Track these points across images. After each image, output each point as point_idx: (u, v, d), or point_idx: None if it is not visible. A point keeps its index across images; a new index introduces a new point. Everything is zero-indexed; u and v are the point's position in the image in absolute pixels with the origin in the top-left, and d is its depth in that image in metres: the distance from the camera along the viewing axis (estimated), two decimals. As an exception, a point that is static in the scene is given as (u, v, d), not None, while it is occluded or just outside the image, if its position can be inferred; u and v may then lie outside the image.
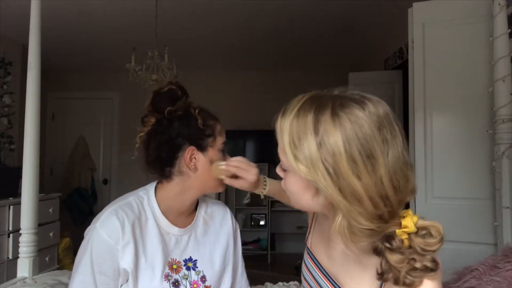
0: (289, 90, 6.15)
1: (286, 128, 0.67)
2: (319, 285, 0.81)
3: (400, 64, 3.59)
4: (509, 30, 1.80)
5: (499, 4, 1.80)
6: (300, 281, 1.68)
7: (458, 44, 2.09)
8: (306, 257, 0.88)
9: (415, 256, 0.64)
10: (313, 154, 0.63)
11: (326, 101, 0.65)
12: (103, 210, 0.98)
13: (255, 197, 4.83)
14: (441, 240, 0.64)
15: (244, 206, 5.17)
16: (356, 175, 0.61)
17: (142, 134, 1.01)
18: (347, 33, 3.95)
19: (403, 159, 0.64)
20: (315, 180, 0.64)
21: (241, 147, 5.17)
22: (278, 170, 0.75)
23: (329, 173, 0.62)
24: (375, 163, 0.62)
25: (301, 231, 4.87)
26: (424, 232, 0.65)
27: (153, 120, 1.00)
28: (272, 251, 5.04)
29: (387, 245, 0.65)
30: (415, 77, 2.18)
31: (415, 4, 2.22)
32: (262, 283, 1.65)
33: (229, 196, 5.14)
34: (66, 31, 3.84)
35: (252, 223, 5.24)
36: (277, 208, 5.12)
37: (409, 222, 0.64)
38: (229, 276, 1.10)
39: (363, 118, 0.63)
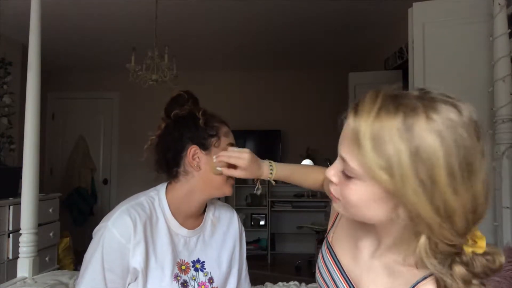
0: (289, 90, 6.16)
1: (364, 130, 0.58)
2: (336, 284, 0.78)
3: (400, 64, 3.59)
4: (509, 30, 1.80)
5: (499, 4, 1.80)
6: (300, 281, 1.68)
7: (458, 44, 2.09)
8: (325, 251, 0.84)
9: (476, 280, 0.61)
10: (404, 163, 0.55)
11: (414, 103, 0.58)
12: (114, 209, 0.99)
13: (254, 197, 4.84)
14: (501, 267, 0.61)
15: (244, 206, 5.17)
16: (454, 190, 0.56)
17: (153, 137, 1.05)
18: (347, 33, 3.96)
19: (489, 171, 0.59)
20: (401, 193, 0.57)
21: (241, 147, 5.18)
22: (332, 175, 0.66)
23: (423, 186, 0.55)
24: (473, 177, 0.56)
25: (301, 231, 4.87)
26: (488, 257, 0.61)
27: (163, 124, 1.05)
28: (272, 251, 5.03)
29: (457, 259, 0.61)
30: (415, 77, 2.18)
31: (415, 4, 2.22)
32: (262, 283, 1.65)
33: (229, 196, 5.14)
34: (66, 31, 3.84)
35: (252, 223, 5.25)
36: (277, 208, 5.13)
37: (484, 243, 0.60)
38: (234, 278, 1.12)
39: (462, 126, 0.56)
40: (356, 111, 0.60)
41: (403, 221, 0.61)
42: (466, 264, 0.60)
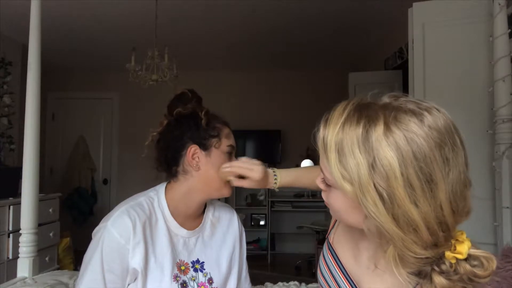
0: (289, 90, 6.16)
1: (330, 142, 0.60)
2: (338, 285, 0.78)
3: (400, 64, 3.60)
4: (509, 30, 1.80)
5: (499, 4, 1.80)
6: (300, 281, 1.68)
7: (458, 44, 2.08)
8: (326, 252, 0.84)
9: (460, 284, 0.59)
10: (363, 175, 0.56)
11: (376, 113, 0.58)
12: (114, 209, 0.99)
13: (254, 197, 4.84)
14: (491, 274, 0.58)
15: (244, 206, 5.17)
16: (413, 202, 0.55)
17: (154, 133, 1.05)
18: (347, 33, 3.96)
19: (463, 178, 0.58)
20: (363, 204, 0.57)
21: (241, 147, 5.18)
22: (319, 182, 0.69)
23: (382, 198, 0.56)
24: (434, 188, 0.55)
25: (301, 231, 4.87)
26: (475, 262, 0.59)
27: (165, 121, 1.05)
28: (272, 251, 5.04)
29: (436, 268, 0.60)
30: (415, 77, 2.18)
31: (415, 4, 2.22)
32: (262, 283, 1.65)
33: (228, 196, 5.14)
34: (66, 31, 3.84)
35: (252, 223, 5.25)
36: (277, 208, 5.13)
37: (464, 248, 0.58)
38: (234, 279, 1.11)
39: (422, 136, 0.55)
40: (325, 124, 0.62)
41: (372, 231, 0.61)
42: (445, 273, 0.59)
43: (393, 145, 0.55)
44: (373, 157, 0.56)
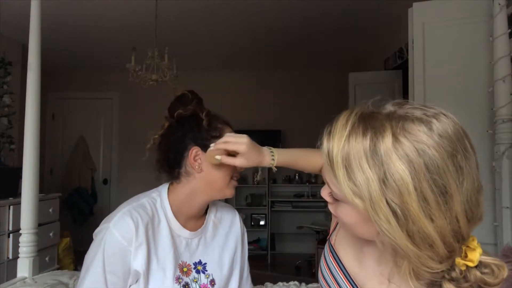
0: (289, 90, 6.16)
1: (336, 156, 0.57)
2: (340, 286, 0.77)
3: (400, 64, 3.59)
4: (509, 30, 1.80)
5: (499, 4, 1.80)
6: (300, 281, 1.68)
7: (458, 44, 2.08)
8: (327, 254, 0.82)
9: None
10: (373, 191, 0.53)
11: (382, 124, 0.55)
12: (116, 210, 0.98)
13: (254, 197, 4.82)
14: (501, 281, 0.57)
15: (244, 206, 5.17)
16: (429, 217, 0.52)
17: (156, 136, 1.04)
18: (347, 33, 3.96)
19: (477, 185, 0.55)
20: (375, 221, 0.55)
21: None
22: (325, 196, 0.66)
23: (395, 215, 0.53)
24: (449, 199, 0.53)
25: (301, 231, 4.87)
26: (486, 270, 0.57)
27: (166, 124, 1.04)
28: (272, 251, 5.04)
29: (446, 275, 0.58)
30: (415, 77, 2.18)
31: (415, 4, 2.22)
32: (262, 283, 1.65)
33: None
34: (66, 31, 3.84)
35: (252, 223, 5.25)
36: (277, 208, 5.13)
37: (476, 256, 0.56)
38: (236, 279, 1.11)
39: (433, 146, 0.53)
40: (328, 137, 0.59)
41: (386, 246, 0.59)
42: (456, 280, 0.58)
43: (403, 158, 0.53)
44: (384, 171, 0.53)
